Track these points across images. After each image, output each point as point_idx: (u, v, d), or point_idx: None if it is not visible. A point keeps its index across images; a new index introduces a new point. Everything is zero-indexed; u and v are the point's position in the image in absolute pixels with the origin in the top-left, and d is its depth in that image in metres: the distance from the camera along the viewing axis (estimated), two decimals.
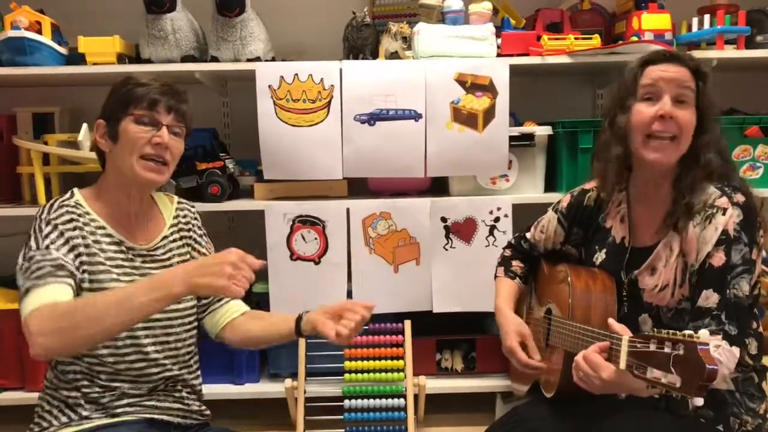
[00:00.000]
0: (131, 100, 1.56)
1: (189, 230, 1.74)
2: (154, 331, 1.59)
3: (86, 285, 1.51)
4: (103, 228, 1.57)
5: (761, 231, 1.50)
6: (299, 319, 1.64)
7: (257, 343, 1.77)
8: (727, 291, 1.45)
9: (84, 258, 1.51)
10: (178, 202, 1.77)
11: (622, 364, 1.31)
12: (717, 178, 1.55)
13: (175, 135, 1.60)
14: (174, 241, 1.70)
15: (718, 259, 1.47)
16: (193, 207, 1.80)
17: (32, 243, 1.48)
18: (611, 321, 1.40)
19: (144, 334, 1.57)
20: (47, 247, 1.46)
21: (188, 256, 1.72)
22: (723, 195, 1.50)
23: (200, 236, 1.77)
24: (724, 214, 1.48)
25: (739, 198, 1.49)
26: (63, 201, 1.57)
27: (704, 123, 1.55)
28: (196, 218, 1.79)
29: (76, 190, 1.62)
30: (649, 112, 1.54)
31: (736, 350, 1.44)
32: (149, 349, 1.57)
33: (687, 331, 1.20)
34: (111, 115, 1.57)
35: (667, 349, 1.20)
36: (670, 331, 1.22)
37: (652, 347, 1.24)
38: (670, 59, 1.56)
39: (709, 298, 1.46)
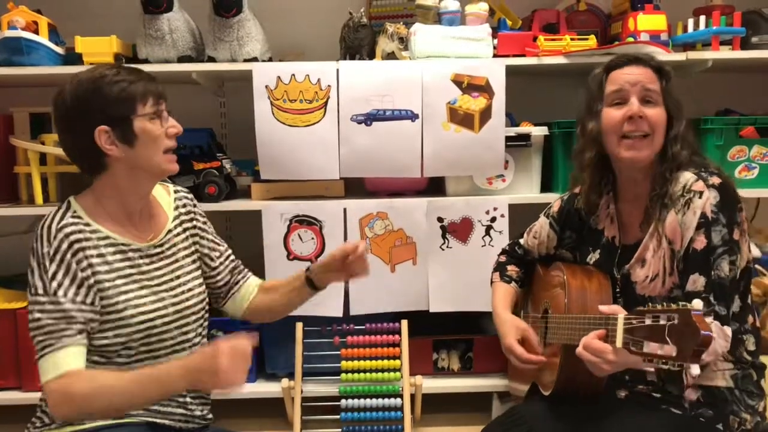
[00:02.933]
0: (135, 96, 1.50)
1: (191, 220, 1.72)
2: (172, 335, 1.59)
3: (98, 302, 1.50)
4: (107, 238, 1.53)
5: (742, 212, 1.54)
6: (310, 281, 1.74)
7: (279, 315, 1.84)
8: (712, 273, 1.49)
9: (91, 280, 1.48)
10: (175, 191, 1.74)
11: (619, 343, 1.34)
12: (693, 166, 1.59)
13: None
14: (177, 234, 1.67)
15: (700, 243, 1.50)
16: (189, 193, 1.77)
17: (39, 283, 1.45)
18: (602, 307, 1.43)
19: (161, 344, 1.57)
20: (55, 293, 1.44)
21: (193, 249, 1.70)
22: (699, 179, 1.54)
23: (204, 224, 1.75)
24: (700, 197, 1.51)
25: (715, 180, 1.53)
26: (60, 222, 1.49)
27: (672, 119, 1.61)
28: (195, 205, 1.76)
29: (72, 200, 1.56)
30: (619, 115, 1.61)
31: (728, 329, 1.46)
32: (161, 352, 1.58)
33: (681, 302, 1.22)
34: (115, 119, 1.49)
35: (662, 321, 1.22)
36: (665, 303, 1.25)
37: (648, 321, 1.26)
38: (633, 62, 1.63)
39: (696, 282, 1.50)
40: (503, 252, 2.02)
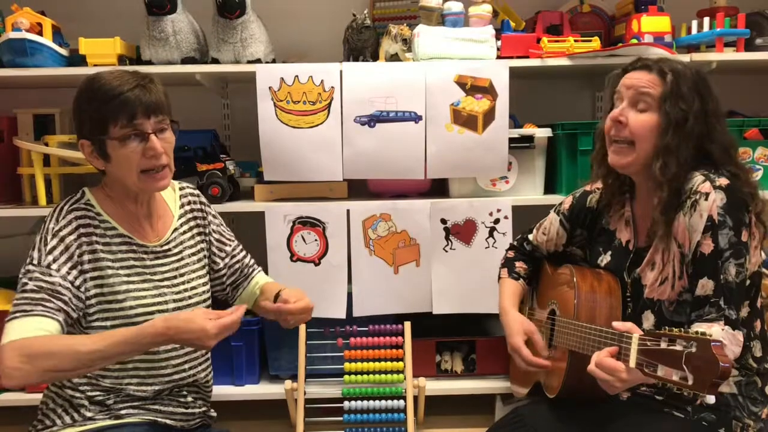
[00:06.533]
0: (107, 118, 1.46)
1: (204, 217, 1.73)
2: None
3: (96, 291, 1.51)
4: (114, 229, 1.57)
5: (750, 212, 1.49)
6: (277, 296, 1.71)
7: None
8: (720, 277, 1.46)
9: (87, 266, 1.50)
10: (180, 188, 1.74)
11: (632, 363, 1.32)
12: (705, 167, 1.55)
13: (161, 132, 1.52)
14: (184, 233, 1.68)
15: (707, 246, 1.47)
16: (195, 190, 1.77)
17: (35, 254, 1.48)
18: (616, 324, 1.40)
19: None
20: (49, 266, 1.46)
21: (200, 247, 1.71)
22: (706, 180, 1.50)
23: (218, 225, 1.77)
24: (706, 199, 1.48)
25: (722, 181, 1.49)
26: (72, 204, 1.55)
27: (664, 129, 1.52)
28: (205, 203, 1.76)
29: (86, 190, 1.59)
30: (610, 117, 1.60)
31: (739, 334, 1.44)
32: (161, 348, 1.57)
33: (699, 328, 1.21)
34: (92, 136, 1.49)
35: (678, 347, 1.20)
36: (682, 329, 1.23)
37: (663, 345, 1.24)
38: (642, 67, 1.59)
39: (705, 286, 1.47)
40: (511, 248, 2.00)
